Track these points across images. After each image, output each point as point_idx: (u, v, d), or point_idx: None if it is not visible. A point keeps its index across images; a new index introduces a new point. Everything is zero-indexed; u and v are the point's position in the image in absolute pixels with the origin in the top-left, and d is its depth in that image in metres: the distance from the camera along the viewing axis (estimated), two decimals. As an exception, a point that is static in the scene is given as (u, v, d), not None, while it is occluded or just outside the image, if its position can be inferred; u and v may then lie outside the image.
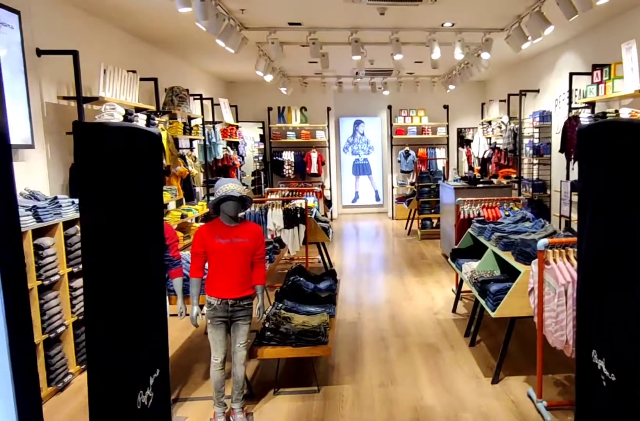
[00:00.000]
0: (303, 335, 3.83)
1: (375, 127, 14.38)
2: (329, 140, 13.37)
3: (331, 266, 8.18)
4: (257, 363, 4.46)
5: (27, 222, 4.13)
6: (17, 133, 4.93)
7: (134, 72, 6.88)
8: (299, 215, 6.94)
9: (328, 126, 13.27)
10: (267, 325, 3.88)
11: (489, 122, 11.80)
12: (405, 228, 11.26)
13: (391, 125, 13.28)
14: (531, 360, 4.25)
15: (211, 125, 10.51)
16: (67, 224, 4.65)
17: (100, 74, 5.89)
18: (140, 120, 6.64)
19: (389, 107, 13.28)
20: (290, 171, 13.14)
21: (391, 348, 4.92)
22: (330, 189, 13.46)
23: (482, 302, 4.30)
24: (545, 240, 3.59)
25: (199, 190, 10.71)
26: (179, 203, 8.88)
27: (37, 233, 4.31)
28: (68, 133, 5.66)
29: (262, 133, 13.28)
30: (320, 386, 4.11)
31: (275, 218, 6.85)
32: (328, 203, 11.33)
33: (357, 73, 10.65)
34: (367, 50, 7.61)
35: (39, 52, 5.45)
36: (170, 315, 3.67)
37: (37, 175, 5.47)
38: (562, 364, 4.27)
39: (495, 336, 5.04)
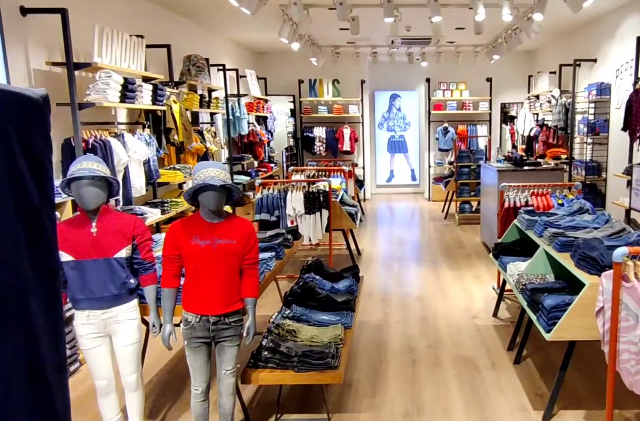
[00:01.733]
0: (308, 356, 3.05)
1: (413, 101, 13.31)
2: (362, 116, 12.39)
3: (359, 253, 7.38)
4: (259, 378, 3.72)
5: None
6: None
7: (140, 37, 6.08)
8: (321, 199, 6.11)
9: (362, 100, 12.28)
10: (264, 343, 3.10)
11: (537, 97, 10.62)
12: (442, 211, 10.32)
13: (429, 99, 12.19)
14: (594, 389, 3.38)
15: (235, 99, 9.69)
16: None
17: (95, 36, 5.10)
18: (145, 91, 5.86)
19: (427, 80, 12.16)
20: (321, 148, 12.27)
21: (420, 362, 4.11)
22: (363, 168, 12.56)
23: (532, 317, 3.43)
24: (625, 249, 2.67)
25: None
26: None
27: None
28: (59, 105, 4.92)
29: (292, 107, 12.40)
30: (331, 413, 3.34)
31: (295, 202, 6.04)
32: (359, 184, 10.44)
33: (392, 42, 9.61)
34: (403, 14, 6.60)
35: (24, 11, 4.68)
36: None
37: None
38: (636, 398, 3.38)
39: (546, 351, 4.17)
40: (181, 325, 2.80)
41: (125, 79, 5.39)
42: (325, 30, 8.71)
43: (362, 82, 12.25)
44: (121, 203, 5.52)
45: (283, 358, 3.06)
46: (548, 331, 3.12)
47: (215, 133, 8.59)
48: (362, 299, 5.33)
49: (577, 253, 3.39)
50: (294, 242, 4.56)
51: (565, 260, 3.51)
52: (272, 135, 11.65)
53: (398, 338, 4.54)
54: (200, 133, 7.98)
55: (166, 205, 6.29)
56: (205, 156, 7.94)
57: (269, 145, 11.61)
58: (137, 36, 6.01)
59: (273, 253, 3.91)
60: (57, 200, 3.85)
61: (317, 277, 4.28)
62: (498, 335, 4.55)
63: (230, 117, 9.46)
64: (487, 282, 6.01)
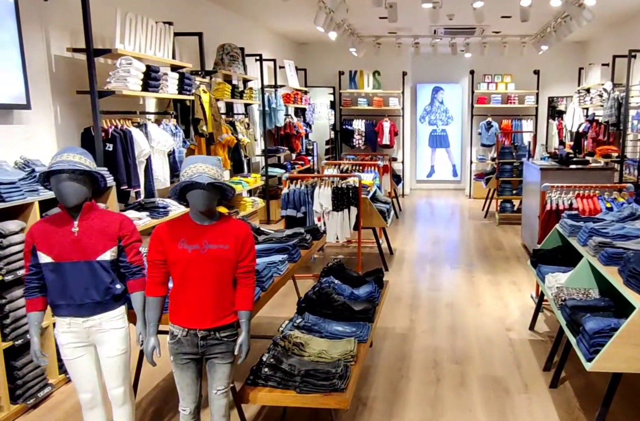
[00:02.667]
0: (312, 376, 2.68)
1: (456, 94, 12.68)
2: (403, 109, 11.87)
3: (391, 252, 6.96)
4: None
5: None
6: (4, 90, 3.97)
7: (169, 23, 5.79)
8: (350, 195, 5.70)
9: (403, 93, 11.75)
10: (265, 358, 2.75)
11: (587, 90, 9.85)
12: (483, 209, 9.75)
13: (472, 92, 11.54)
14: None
15: (272, 90, 9.34)
16: (52, 204, 3.68)
17: (117, 21, 4.82)
18: (171, 80, 5.57)
19: (471, 72, 11.51)
20: (360, 141, 11.84)
21: (445, 380, 3.68)
22: (402, 162, 12.05)
23: (571, 339, 2.96)
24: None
25: (259, 159, 9.68)
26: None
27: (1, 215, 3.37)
28: (79, 93, 4.67)
29: (332, 99, 11.98)
30: (340, 436, 2.97)
31: (322, 198, 5.66)
32: (397, 179, 9.97)
33: (435, 32, 9.06)
34: (443, 0, 6.09)
35: (46, -4, 4.42)
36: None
37: (41, 141, 4.53)
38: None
39: (587, 375, 3.64)
40: (167, 338, 2.47)
41: (148, 67, 5.11)
42: (365, 19, 8.26)
43: (404, 74, 11.71)
44: (142, 195, 5.26)
45: (285, 377, 2.70)
46: (589, 360, 2.66)
47: (248, 124, 8.27)
48: (389, 303, 4.95)
49: (626, 268, 2.91)
50: (313, 243, 4.17)
51: (613, 275, 3.02)
52: (310, 127, 11.28)
53: (423, 351, 4.12)
54: (232, 124, 7.67)
55: (191, 198, 6.00)
56: (236, 148, 7.64)
57: (307, 137, 11.26)
58: (166, 23, 5.72)
59: (286, 256, 3.54)
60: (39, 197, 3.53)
61: (336, 281, 3.90)
62: (534, 352, 4.07)
63: (266, 109, 9.14)
64: (526, 290, 5.50)
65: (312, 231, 4.31)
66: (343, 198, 5.67)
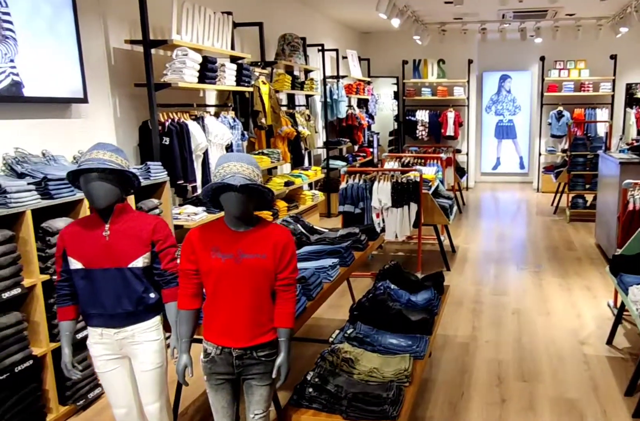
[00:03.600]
0: (361, 400, 2.33)
1: (524, 82, 11.83)
2: (468, 98, 11.20)
3: (453, 251, 6.48)
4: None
5: (26, 199, 3.00)
6: (62, 84, 3.82)
7: (228, 13, 5.52)
8: (411, 191, 5.28)
9: (468, 82, 11.07)
10: (309, 377, 2.42)
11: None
12: (552, 204, 9.03)
13: (543, 80, 10.69)
14: None
15: (334, 80, 8.96)
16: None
17: (173, 12, 4.59)
18: (228, 71, 5.31)
19: (542, 59, 10.65)
20: (423, 133, 11.29)
21: (511, 400, 3.24)
22: (467, 154, 11.41)
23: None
24: None
25: (320, 152, 9.36)
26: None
27: (51, 212, 3.20)
28: (137, 85, 4.48)
29: (395, 89, 11.47)
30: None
31: (381, 193, 5.27)
32: (460, 172, 9.39)
33: (503, 16, 8.37)
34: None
35: (105, -14, 4.25)
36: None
37: (99, 135, 4.37)
38: None
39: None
40: (200, 356, 2.19)
41: (205, 58, 4.86)
42: (430, 5, 7.71)
43: (470, 61, 11.01)
44: (199, 190, 5.04)
45: (331, 399, 2.37)
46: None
47: (309, 116, 7.94)
48: (449, 307, 4.54)
49: None
50: (369, 243, 3.79)
51: None
52: (373, 118, 10.84)
53: (486, 365, 3.68)
54: (292, 116, 7.37)
55: (250, 191, 5.75)
56: (296, 140, 7.34)
57: (369, 129, 10.84)
58: (225, 13, 5.46)
59: (337, 260, 3.18)
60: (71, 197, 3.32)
61: (392, 286, 3.54)
62: (612, 372, 3.54)
63: (328, 100, 8.78)
64: (602, 297, 4.91)
65: (368, 231, 3.93)
66: (403, 193, 5.25)
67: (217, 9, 5.38)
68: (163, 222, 2.33)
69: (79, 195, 3.38)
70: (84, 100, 4.05)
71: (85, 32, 4.11)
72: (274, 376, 2.14)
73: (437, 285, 3.73)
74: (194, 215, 4.73)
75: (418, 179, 5.30)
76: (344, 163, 9.41)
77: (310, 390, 2.39)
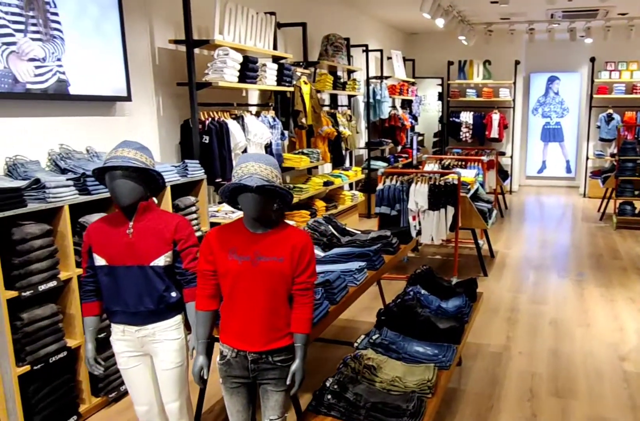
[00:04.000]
0: (380, 410, 2.25)
1: (573, 84, 11.37)
2: (514, 100, 10.85)
3: (492, 256, 6.27)
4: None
5: (64, 195, 3.04)
6: (107, 82, 3.87)
7: (271, 14, 5.49)
8: (448, 193, 5.12)
9: (515, 83, 10.72)
10: (328, 384, 2.35)
11: None
12: (598, 210, 8.64)
13: (592, 81, 10.22)
14: None
15: (377, 81, 8.83)
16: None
17: (216, 12, 4.58)
18: (269, 71, 5.27)
19: (592, 60, 10.17)
20: (467, 134, 11.02)
21: (542, 416, 3.07)
22: (511, 157, 11.07)
23: None
24: None
25: (362, 152, 9.25)
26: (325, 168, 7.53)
27: (89, 208, 3.24)
28: (179, 85, 4.51)
29: (440, 90, 11.23)
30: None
31: (418, 195, 5.13)
32: (503, 175, 9.10)
33: (552, 16, 8.04)
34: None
35: (149, -13, 4.29)
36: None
37: (143, 133, 4.43)
38: None
39: None
40: (217, 358, 2.14)
41: (246, 58, 4.85)
42: (476, 5, 7.48)
43: (517, 62, 10.66)
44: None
45: (349, 407, 2.29)
46: None
47: (350, 116, 7.84)
48: (484, 314, 4.37)
49: None
50: (400, 247, 3.68)
51: None
52: (416, 119, 10.65)
53: (518, 377, 3.51)
54: (334, 116, 7.29)
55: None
56: (337, 140, 7.26)
57: (413, 129, 10.65)
58: (268, 13, 5.43)
59: (365, 263, 3.08)
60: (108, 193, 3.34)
61: (422, 291, 3.42)
62: (655, 391, 3.33)
63: (371, 100, 8.66)
64: (647, 309, 4.65)
65: (401, 234, 3.81)
66: (440, 196, 5.10)
67: (261, 9, 5.36)
68: (185, 221, 2.30)
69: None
70: (128, 98, 4.10)
71: (131, 32, 4.15)
72: (288, 382, 2.07)
73: (470, 292, 3.58)
74: (231, 214, 4.72)
75: (456, 182, 5.13)
76: (385, 164, 9.27)
77: (329, 396, 2.31)
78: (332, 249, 3.40)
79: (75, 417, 3.08)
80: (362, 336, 2.92)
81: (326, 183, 6.65)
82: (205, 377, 2.14)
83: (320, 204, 6.56)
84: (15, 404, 2.73)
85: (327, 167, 7.71)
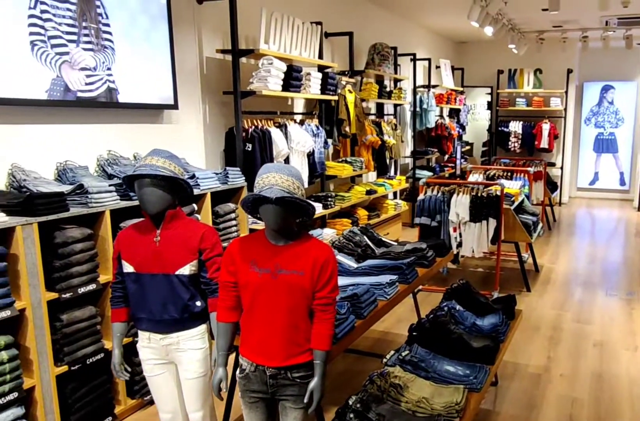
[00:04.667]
0: (403, 433, 2.13)
1: (629, 93, 10.82)
2: (566, 109, 10.43)
3: (536, 270, 6.01)
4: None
5: (106, 200, 3.08)
6: (155, 91, 3.93)
7: (318, 23, 5.46)
8: (491, 205, 4.93)
9: (566, 92, 10.30)
10: (351, 402, 2.25)
11: None
12: (653, 225, 8.18)
13: (650, 91, 9.70)
14: None
15: (424, 90, 8.68)
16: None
17: (262, 21, 4.59)
18: (314, 80, 5.24)
19: (650, 68, 9.67)
20: (515, 144, 10.67)
21: (580, 444, 2.88)
22: (561, 168, 10.63)
23: None
24: None
25: (408, 161, 9.09)
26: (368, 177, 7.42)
27: (131, 213, 3.28)
28: (225, 93, 4.54)
29: (489, 99, 10.93)
30: None
31: (459, 206, 4.96)
32: (552, 186, 8.74)
33: (607, 23, 7.66)
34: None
35: (200, -1, 4.35)
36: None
37: (189, 140, 4.48)
38: None
39: None
40: (236, 371, 2.09)
41: (290, 67, 4.83)
42: (527, 13, 7.23)
43: (569, 71, 10.24)
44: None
45: (372, 427, 2.19)
46: None
47: (396, 125, 7.72)
48: (525, 332, 4.17)
49: None
50: (436, 260, 3.54)
51: None
52: (464, 128, 10.40)
53: (557, 401, 3.29)
54: (379, 125, 7.19)
55: (330, 199, 5.68)
56: (381, 149, 7.16)
57: (460, 139, 10.41)
58: (315, 23, 5.40)
59: (396, 277, 2.96)
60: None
61: (457, 307, 3.27)
62: None
63: (417, 109, 8.51)
64: (702, 334, 4.31)
65: (438, 246, 3.67)
66: (482, 208, 4.91)
67: (307, 19, 5.34)
68: (211, 231, 2.26)
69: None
70: (175, 106, 4.15)
71: (180, 42, 4.21)
72: (305, 400, 1.99)
73: (508, 309, 3.41)
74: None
75: (499, 193, 4.93)
76: (430, 174, 9.09)
77: (352, 415, 2.22)
78: (366, 260, 3.31)
79: (110, 418, 3.10)
80: (392, 352, 2.81)
81: (369, 192, 6.56)
82: (225, 390, 2.09)
83: (362, 213, 6.47)
84: (52, 403, 2.77)
85: (372, 176, 7.61)
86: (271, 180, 1.89)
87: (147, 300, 2.20)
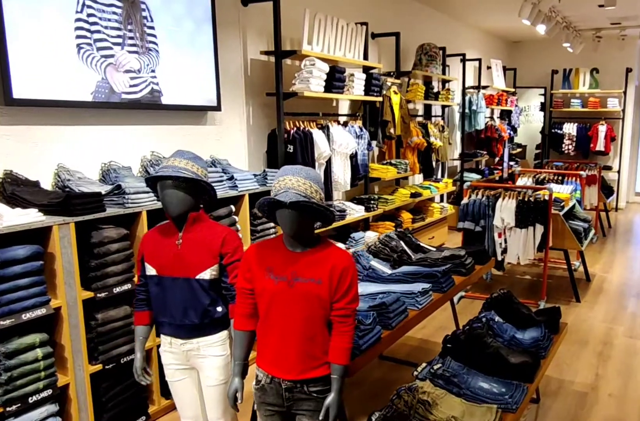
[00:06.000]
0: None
1: (698, 95, 10.07)
2: (624, 110, 9.82)
3: (588, 279, 5.65)
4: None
5: (143, 200, 3.07)
6: (198, 93, 3.92)
7: (363, 24, 5.33)
8: (538, 210, 4.64)
9: (625, 92, 9.70)
10: (374, 419, 2.11)
11: None
12: None
13: None
14: None
15: (474, 91, 8.37)
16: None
17: (305, 22, 4.50)
18: (357, 81, 5.11)
19: None
20: (570, 147, 10.16)
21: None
22: (618, 172, 10.03)
23: None
24: None
25: (456, 164, 8.80)
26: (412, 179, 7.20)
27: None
28: (268, 95, 4.48)
29: (542, 100, 10.45)
30: None
31: (504, 211, 4.71)
32: (607, 191, 8.24)
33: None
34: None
35: (245, 1, 4.31)
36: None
37: (232, 141, 4.46)
38: None
39: None
40: (252, 383, 1.99)
41: (333, 68, 4.72)
42: (583, 10, 6.82)
43: (628, 70, 9.63)
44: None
45: (396, 447, 2.04)
46: None
47: (443, 127, 7.47)
48: (572, 346, 3.90)
49: None
50: (476, 267, 3.33)
51: None
52: (515, 130, 9.99)
53: (603, 421, 3.05)
54: (425, 126, 6.97)
55: (372, 202, 5.54)
56: (427, 151, 6.94)
57: (511, 141, 10.01)
58: (360, 23, 5.27)
59: (429, 285, 2.77)
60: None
61: (496, 318, 3.07)
62: None
63: (466, 110, 8.21)
64: None
65: (478, 253, 3.46)
66: (529, 213, 4.64)
67: (353, 19, 5.22)
68: (233, 234, 2.17)
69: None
70: (218, 108, 4.12)
71: (225, 44, 4.19)
72: (320, 418, 1.85)
73: (551, 322, 3.17)
74: (311, 223, 4.61)
75: (547, 198, 4.64)
76: (479, 177, 8.76)
77: (376, 431, 2.08)
78: (401, 267, 3.15)
79: (144, 417, 3.08)
80: (424, 365, 2.65)
81: (414, 195, 6.37)
82: (240, 401, 2.00)
83: (406, 216, 6.29)
84: (86, 401, 2.77)
85: (418, 179, 7.40)
86: (287, 183, 1.77)
87: (168, 304, 2.14)
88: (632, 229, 8.59)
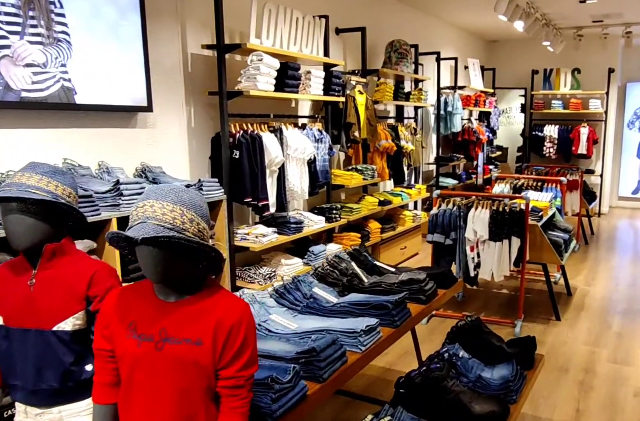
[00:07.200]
0: None
1: (680, 95, 9.85)
2: (606, 112, 9.54)
3: (569, 293, 5.26)
4: None
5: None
6: (126, 91, 3.46)
7: (323, 17, 4.90)
8: (514, 222, 4.23)
9: (607, 93, 9.41)
10: None
11: None
12: None
13: None
14: None
15: (450, 91, 8.00)
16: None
17: (252, 14, 4.05)
18: (314, 79, 4.67)
19: None
20: (551, 150, 9.85)
21: None
22: (601, 175, 9.74)
23: None
24: None
25: (432, 168, 8.41)
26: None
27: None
28: (211, 94, 4.02)
29: (523, 102, 10.15)
30: None
31: (477, 223, 4.29)
32: (589, 197, 7.90)
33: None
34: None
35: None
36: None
37: (171, 146, 3.99)
38: None
39: None
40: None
41: (285, 64, 4.27)
42: (563, 6, 6.47)
43: (610, 71, 9.35)
44: (272, 208, 4.42)
45: None
46: None
47: (415, 129, 7.07)
48: (550, 374, 3.48)
49: None
50: (439, 293, 2.87)
51: None
52: (494, 133, 9.65)
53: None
54: (395, 129, 6.56)
55: (335, 212, 5.09)
56: (397, 156, 6.52)
57: (490, 144, 9.67)
58: (318, 16, 4.84)
59: (376, 321, 2.28)
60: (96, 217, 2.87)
61: (461, 354, 2.63)
62: None
63: (442, 112, 7.83)
64: None
65: (441, 276, 3.00)
66: (503, 224, 4.22)
67: (313, 12, 4.79)
68: (106, 272, 1.69)
69: (107, 214, 2.94)
70: (148, 108, 3.66)
71: (159, 37, 3.73)
72: None
73: (525, 355, 2.74)
74: (262, 237, 4.17)
75: (524, 208, 4.23)
76: (455, 182, 8.39)
77: None
78: (350, 293, 2.70)
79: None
80: (370, 417, 2.18)
81: (382, 203, 5.95)
82: None
83: (374, 226, 5.86)
84: None
85: (389, 185, 6.98)
86: (147, 211, 1.31)
87: (18, 363, 1.64)
88: (616, 235, 8.26)
